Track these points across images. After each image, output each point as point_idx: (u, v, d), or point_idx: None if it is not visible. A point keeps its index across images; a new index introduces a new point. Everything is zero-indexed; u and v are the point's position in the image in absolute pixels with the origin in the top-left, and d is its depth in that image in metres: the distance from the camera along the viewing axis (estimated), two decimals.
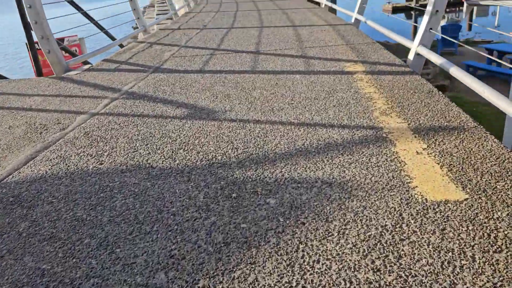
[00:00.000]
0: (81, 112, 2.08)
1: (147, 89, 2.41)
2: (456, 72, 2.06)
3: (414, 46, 2.68)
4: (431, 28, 2.63)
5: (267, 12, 6.13)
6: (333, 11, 6.41)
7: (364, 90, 2.04)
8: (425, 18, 2.62)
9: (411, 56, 2.73)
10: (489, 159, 1.26)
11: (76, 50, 8.02)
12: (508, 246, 0.88)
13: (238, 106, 1.97)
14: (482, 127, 1.50)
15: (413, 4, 39.87)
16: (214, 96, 2.16)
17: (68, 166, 1.46)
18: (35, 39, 4.11)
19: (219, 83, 2.42)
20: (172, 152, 1.51)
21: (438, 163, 1.26)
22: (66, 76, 2.94)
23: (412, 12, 40.54)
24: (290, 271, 0.85)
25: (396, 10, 37.19)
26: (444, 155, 1.31)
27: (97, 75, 2.88)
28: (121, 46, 4.74)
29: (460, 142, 1.39)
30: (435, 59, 2.36)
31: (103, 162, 1.47)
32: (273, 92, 2.14)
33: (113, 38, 5.51)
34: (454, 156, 1.30)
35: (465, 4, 4.45)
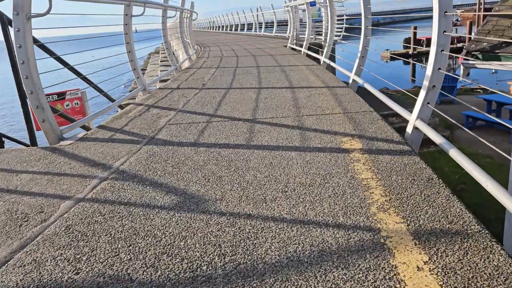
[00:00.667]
0: (66, 196, 1.99)
1: (138, 166, 2.34)
2: (457, 155, 1.99)
3: (412, 120, 2.64)
4: (428, 103, 2.60)
5: (266, 70, 6.21)
6: (332, 67, 6.51)
7: (361, 175, 1.96)
8: (422, 93, 2.59)
9: (409, 129, 2.68)
10: (496, 280, 1.16)
11: (77, 103, 8.11)
12: None
13: (230, 193, 1.89)
14: (487, 232, 1.40)
15: (410, 51, 41.05)
16: (206, 179, 2.08)
17: (42, 276, 1.35)
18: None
19: (212, 160, 2.35)
20: (155, 257, 1.41)
21: (441, 285, 1.15)
22: (58, 147, 2.89)
23: (410, 60, 41.51)
24: None
25: (394, 56, 38.22)
26: (448, 273, 1.20)
27: (90, 146, 2.83)
28: (121, 107, 4.76)
29: (464, 253, 1.29)
30: (434, 137, 2.31)
31: (80, 270, 1.36)
32: (267, 175, 2.06)
33: (111, 99, 5.54)
34: (458, 274, 1.19)
35: (461, 67, 4.53)
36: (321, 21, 11.10)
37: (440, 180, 1.84)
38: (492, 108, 11.44)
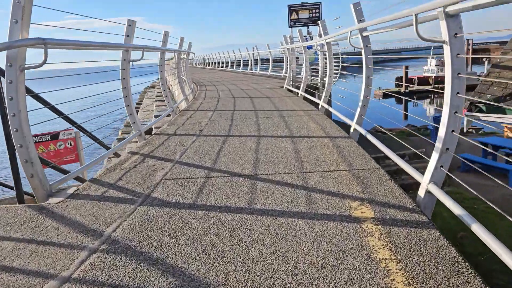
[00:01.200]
0: (51, 275, 1.79)
1: (131, 235, 2.15)
2: (481, 232, 1.83)
3: (425, 183, 2.49)
4: (442, 166, 2.47)
5: (264, 115, 6.12)
6: (330, 112, 6.45)
7: (378, 255, 1.78)
8: (435, 155, 2.47)
9: (421, 192, 2.53)
10: None
11: (71, 143, 7.93)
12: None
13: (234, 275, 1.70)
14: None
15: (402, 90, 41.81)
16: (206, 254, 1.89)
17: None
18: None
19: (212, 229, 2.17)
20: None
21: None
22: (47, 206, 2.69)
23: (402, 97, 42.21)
24: None
25: (386, 95, 38.88)
26: None
27: (81, 206, 2.64)
28: (116, 155, 4.59)
29: None
30: (452, 206, 2.15)
31: None
32: (274, 251, 1.88)
33: (106, 147, 5.38)
34: None
35: (465, 119, 4.48)
36: (317, 64, 11.23)
37: (466, 263, 1.67)
38: (488, 151, 11.44)
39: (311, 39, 11.26)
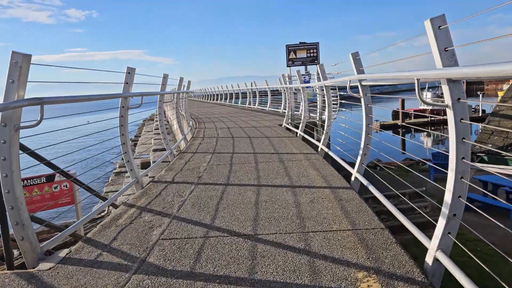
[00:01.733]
0: None
1: None
2: None
3: (432, 250, 2.39)
4: (449, 232, 2.38)
5: (264, 158, 6.06)
6: (330, 156, 6.39)
7: None
8: (442, 221, 2.38)
9: (429, 259, 2.42)
10: None
11: (66, 185, 7.81)
12: None
13: None
14: None
15: (399, 123, 42.12)
16: None
17: None
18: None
19: None
20: None
21: None
22: (36, 273, 2.56)
23: (399, 130, 42.48)
24: None
25: (384, 127, 39.19)
26: None
27: (72, 274, 2.51)
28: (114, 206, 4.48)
29: None
30: (461, 278, 2.04)
31: None
32: None
33: (103, 198, 5.28)
34: None
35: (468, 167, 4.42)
36: (316, 101, 11.30)
37: None
38: (488, 189, 11.34)
39: (309, 77, 11.38)
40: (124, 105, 4.78)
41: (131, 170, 4.90)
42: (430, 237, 2.47)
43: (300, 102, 10.28)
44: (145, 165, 13.56)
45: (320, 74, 6.82)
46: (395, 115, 45.95)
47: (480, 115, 40.30)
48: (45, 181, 7.47)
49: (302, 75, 11.04)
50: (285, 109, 13.22)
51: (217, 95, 35.54)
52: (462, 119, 2.29)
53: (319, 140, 6.94)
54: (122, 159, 4.86)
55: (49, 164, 4.03)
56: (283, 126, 10.77)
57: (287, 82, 10.89)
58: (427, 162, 14.38)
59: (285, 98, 11.94)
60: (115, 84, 4.77)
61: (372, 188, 3.95)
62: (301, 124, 8.75)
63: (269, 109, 18.18)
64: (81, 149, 4.71)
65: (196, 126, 12.27)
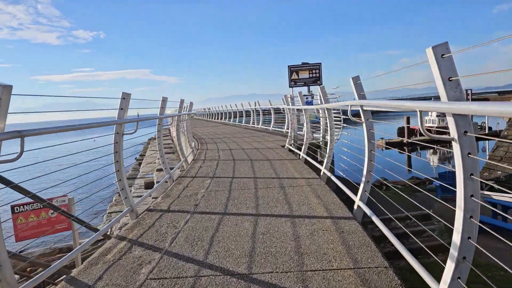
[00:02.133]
0: None
1: None
2: None
3: None
4: (459, 277, 2.17)
5: (264, 184, 5.88)
6: (333, 181, 6.19)
7: None
8: (450, 265, 2.18)
9: None
10: None
11: (64, 210, 7.65)
12: None
13: None
14: None
15: (405, 140, 41.82)
16: None
17: None
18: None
19: None
20: None
21: None
22: None
23: (405, 147, 42.12)
24: None
25: (389, 144, 38.87)
26: None
27: None
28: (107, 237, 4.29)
29: None
30: None
31: None
32: None
33: (95, 229, 5.11)
34: None
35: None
36: (319, 122, 11.15)
37: None
38: (498, 212, 11.03)
39: (312, 98, 11.26)
40: (119, 131, 4.65)
41: (126, 198, 4.74)
42: (443, 261, 2.27)
43: (303, 124, 10.15)
44: (149, 185, 13.42)
45: (321, 96, 6.68)
46: (400, 132, 45.65)
47: (486, 132, 39.98)
48: (41, 206, 7.31)
49: (305, 95, 10.93)
50: (288, 129, 13.09)
51: (222, 114, 35.60)
52: (469, 153, 2.11)
53: (322, 162, 6.76)
54: (117, 188, 4.67)
55: (35, 197, 3.88)
56: (285, 147, 10.60)
57: (290, 103, 10.77)
58: (434, 181, 14.09)
59: (288, 119, 11.80)
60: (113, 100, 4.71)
61: (375, 219, 3.74)
62: (303, 146, 8.58)
63: (273, 128, 18.07)
64: (89, 172, 4.57)
65: (198, 147, 12.14)
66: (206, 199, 5.14)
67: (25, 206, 7.16)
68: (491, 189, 3.96)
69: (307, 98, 10.79)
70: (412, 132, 45.77)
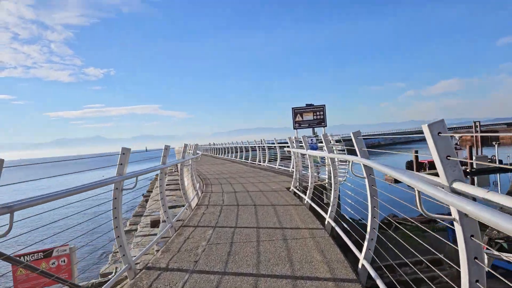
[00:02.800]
0: None
1: None
2: None
3: None
4: None
5: (267, 235, 5.73)
6: (337, 233, 6.03)
7: None
8: None
9: None
10: None
11: (64, 260, 7.52)
12: None
13: None
14: None
15: None
16: None
17: None
18: None
19: None
20: None
21: None
22: None
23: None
24: None
25: (397, 179, 38.28)
26: None
27: None
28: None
29: None
30: None
31: None
32: None
33: None
34: None
35: (485, 257, 4.09)
36: (324, 164, 11.05)
37: None
38: None
39: (316, 140, 11.22)
40: (118, 186, 4.61)
41: (124, 255, 4.63)
42: None
43: (308, 166, 10.05)
44: (155, 223, 13.20)
45: (325, 146, 6.63)
46: (409, 166, 45.08)
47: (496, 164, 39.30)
48: (42, 257, 7.20)
49: (309, 137, 10.89)
50: (293, 168, 12.99)
51: (229, 149, 35.74)
52: (472, 236, 2.01)
53: (327, 206, 6.60)
54: (115, 245, 4.57)
55: (28, 266, 3.79)
56: (291, 189, 10.47)
57: (294, 145, 10.73)
58: (444, 222, 13.66)
59: (293, 161, 11.73)
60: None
61: (380, 283, 3.58)
62: (308, 191, 8.45)
63: (278, 167, 17.97)
64: (92, 218, 4.51)
65: (203, 189, 12.06)
66: (206, 254, 5.00)
67: (25, 257, 7.05)
68: (501, 248, 3.77)
69: (311, 140, 10.74)
70: (421, 165, 45.22)
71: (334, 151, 7.70)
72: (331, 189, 7.24)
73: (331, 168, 6.48)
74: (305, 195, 8.64)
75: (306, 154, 9.04)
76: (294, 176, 10.88)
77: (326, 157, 7.12)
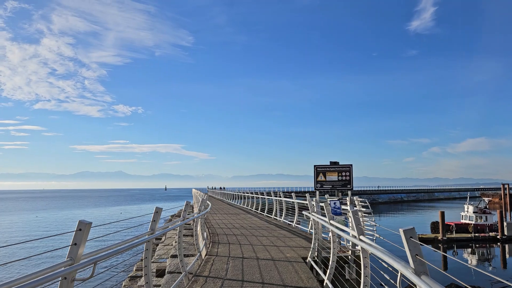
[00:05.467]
0: None
1: None
2: None
3: None
4: None
5: None
6: None
7: None
8: None
9: None
10: None
11: None
12: None
13: None
14: None
15: (439, 237, 38.48)
16: None
17: None
18: None
19: None
20: None
21: None
22: None
23: (440, 245, 38.49)
24: None
25: (422, 240, 35.65)
26: None
27: None
28: None
29: None
30: None
31: None
32: None
33: None
34: None
35: None
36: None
37: None
38: None
39: (340, 202, 9.80)
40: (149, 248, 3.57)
41: None
42: None
43: (329, 236, 8.62)
44: (160, 272, 11.77)
45: (353, 222, 5.28)
46: (434, 227, 42.22)
47: None
48: None
49: (333, 201, 9.50)
50: (312, 229, 11.51)
51: (245, 196, 34.35)
52: None
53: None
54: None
55: None
56: (308, 260, 8.96)
57: (314, 208, 9.32)
58: None
59: (312, 224, 10.30)
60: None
61: None
62: (329, 270, 7.00)
63: (296, 225, 16.44)
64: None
65: (208, 247, 10.68)
66: None
67: None
68: None
69: (334, 204, 9.35)
70: (447, 228, 42.28)
71: (363, 226, 6.34)
72: (355, 262, 5.83)
73: (361, 256, 5.08)
74: (325, 273, 7.18)
75: (328, 225, 7.65)
76: (312, 245, 9.39)
77: (353, 235, 5.73)
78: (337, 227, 6.62)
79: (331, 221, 6.97)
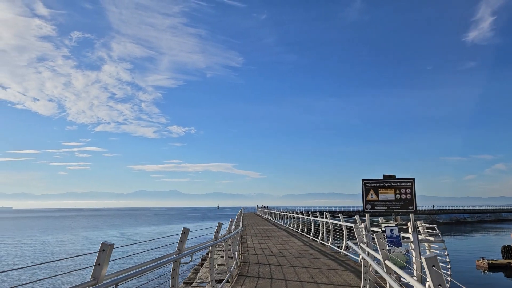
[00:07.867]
0: None
1: None
2: None
3: None
4: None
5: None
6: None
7: None
8: None
9: None
10: None
11: None
12: None
13: None
14: None
15: None
16: None
17: None
18: None
19: None
20: None
21: None
22: None
23: None
24: None
25: (493, 267, 31.21)
26: None
27: None
28: None
29: None
30: None
31: None
32: None
33: None
34: None
35: None
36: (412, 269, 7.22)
37: None
38: None
39: (399, 229, 7.45)
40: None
41: None
42: None
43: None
44: None
45: (428, 270, 3.12)
46: (506, 252, 37.28)
47: None
48: None
49: (387, 226, 7.23)
50: (362, 261, 9.19)
51: (290, 215, 32.09)
52: None
53: None
54: None
55: None
56: None
57: (363, 238, 7.07)
58: None
59: (363, 258, 8.05)
60: None
61: None
62: None
63: (344, 252, 14.04)
64: None
65: (234, 279, 8.73)
66: None
67: None
68: None
69: (391, 232, 7.07)
70: None
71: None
72: None
73: None
74: None
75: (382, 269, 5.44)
76: (362, 286, 7.12)
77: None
78: (395, 271, 4.41)
79: (386, 262, 4.77)
